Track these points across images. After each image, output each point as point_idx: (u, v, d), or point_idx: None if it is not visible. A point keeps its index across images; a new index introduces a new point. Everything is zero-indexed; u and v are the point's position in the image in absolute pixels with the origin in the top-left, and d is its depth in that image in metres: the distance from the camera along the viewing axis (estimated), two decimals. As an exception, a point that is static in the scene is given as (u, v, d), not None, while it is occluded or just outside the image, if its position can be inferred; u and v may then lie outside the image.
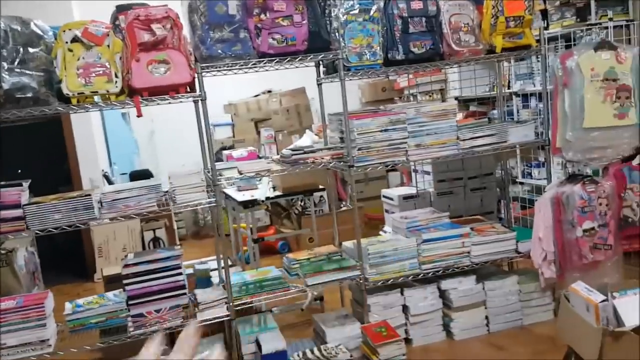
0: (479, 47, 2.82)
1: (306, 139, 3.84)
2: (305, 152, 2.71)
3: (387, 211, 3.79)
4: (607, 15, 3.73)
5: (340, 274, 2.77)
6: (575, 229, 2.76)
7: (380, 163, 2.77)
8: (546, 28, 3.82)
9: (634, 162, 2.84)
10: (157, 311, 2.59)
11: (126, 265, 2.60)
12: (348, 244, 3.00)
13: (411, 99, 6.47)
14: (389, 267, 2.82)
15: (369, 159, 2.75)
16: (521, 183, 4.24)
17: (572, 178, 2.89)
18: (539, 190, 3.72)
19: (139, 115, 2.43)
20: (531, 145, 3.10)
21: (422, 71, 3.81)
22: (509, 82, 4.58)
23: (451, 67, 5.12)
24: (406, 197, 3.57)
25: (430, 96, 6.23)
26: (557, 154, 2.90)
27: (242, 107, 6.25)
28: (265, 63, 2.62)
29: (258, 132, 5.93)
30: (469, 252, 2.91)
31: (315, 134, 4.24)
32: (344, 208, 5.00)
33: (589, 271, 2.80)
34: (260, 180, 3.57)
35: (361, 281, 2.79)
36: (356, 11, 2.69)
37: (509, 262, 3.24)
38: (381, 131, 2.76)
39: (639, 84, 2.76)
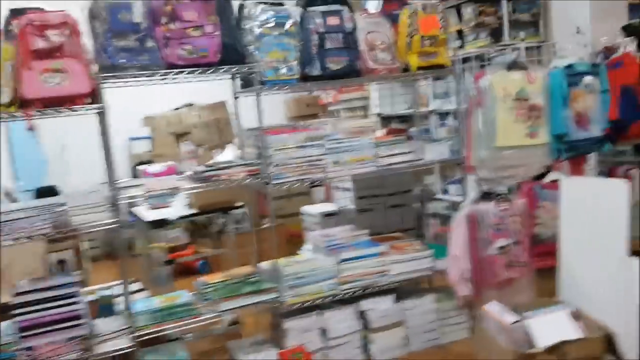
0: (395, 65, 2.82)
1: (228, 154, 3.70)
2: (218, 169, 2.57)
3: (307, 229, 3.71)
4: (519, 37, 3.89)
5: (256, 297, 2.64)
6: (490, 246, 2.79)
7: (298, 180, 2.68)
8: (461, 48, 3.93)
9: (545, 181, 2.93)
10: (52, 343, 2.35)
11: (17, 294, 2.35)
12: (265, 264, 2.88)
13: (335, 115, 6.50)
14: (307, 288, 2.72)
15: (286, 176, 2.66)
16: (440, 200, 4.30)
17: (486, 196, 2.93)
18: (458, 207, 3.77)
19: (30, 128, 2.20)
20: (447, 163, 3.13)
21: (344, 87, 3.79)
22: (427, 100, 4.68)
23: (372, 85, 5.18)
24: (327, 215, 3.51)
25: (353, 113, 6.28)
26: (471, 172, 2.93)
27: (161, 120, 5.99)
28: (175, 74, 2.49)
29: (179, 147, 5.71)
30: (387, 271, 2.88)
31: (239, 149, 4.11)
32: (266, 225, 4.86)
33: (504, 288, 2.83)
34: (173, 197, 3.38)
35: (277, 305, 2.68)
36: (272, 25, 2.61)
37: (429, 280, 3.24)
38: (299, 147, 2.67)
39: (549, 103, 2.85)
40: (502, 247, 2.83)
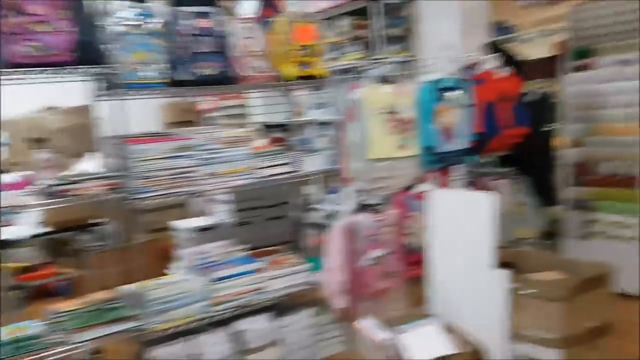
0: (271, 74, 2.72)
1: (88, 165, 3.34)
2: (70, 182, 2.29)
3: (179, 245, 3.47)
4: (392, 50, 4.01)
5: (117, 326, 2.38)
6: (364, 257, 2.79)
7: (167, 194, 2.47)
8: (336, 59, 3.96)
9: (415, 191, 3.01)
10: None
11: None
12: (129, 287, 2.62)
13: (213, 122, 6.28)
14: (176, 312, 2.51)
15: (152, 189, 2.44)
16: (319, 210, 4.29)
17: (362, 207, 2.94)
18: (335, 218, 3.77)
19: None
20: (326, 174, 3.10)
21: (220, 94, 3.62)
22: (305, 110, 4.66)
23: (251, 93, 5.06)
24: (202, 229, 3.30)
25: (232, 120, 6.11)
26: (347, 184, 2.93)
27: (19, 125, 5.34)
28: (22, 74, 2.17)
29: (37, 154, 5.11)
30: (264, 288, 2.76)
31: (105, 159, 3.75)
32: (138, 241, 4.51)
33: (380, 299, 2.85)
34: (19, 214, 2.97)
35: (141, 333, 2.43)
36: (135, 23, 2.38)
37: (307, 294, 3.17)
38: (167, 158, 2.47)
39: (418, 116, 2.93)
40: (376, 258, 2.85)
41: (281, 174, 2.80)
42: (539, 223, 3.47)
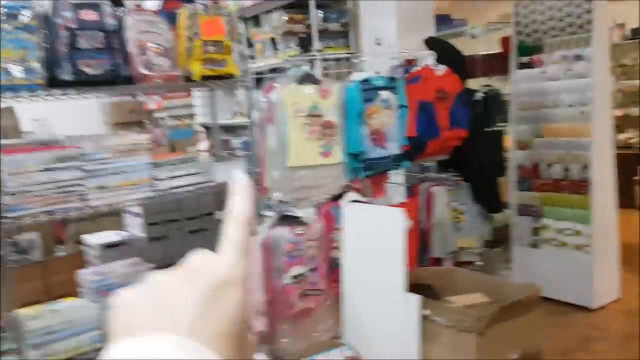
0: (175, 73, 2.43)
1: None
2: None
3: (88, 263, 3.15)
4: (330, 46, 3.74)
5: (-15, 363, 2.07)
6: (284, 275, 2.52)
7: (45, 212, 2.16)
8: (268, 57, 3.68)
9: (341, 202, 2.74)
10: None
11: None
12: (13, 314, 2.30)
13: (161, 122, 5.97)
14: (61, 345, 2.21)
15: (26, 207, 2.12)
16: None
17: (283, 220, 2.67)
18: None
19: None
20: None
21: (118, 95, 3.30)
22: (248, 110, 4.37)
23: (195, 91, 4.76)
24: (109, 245, 2.99)
25: (180, 121, 5.82)
26: (265, 194, 2.65)
27: None
28: None
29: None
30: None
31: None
32: (62, 254, 4.18)
33: (301, 320, 2.59)
34: None
35: (17, 369, 2.13)
36: (6, 16, 2.07)
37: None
38: (44, 171, 2.16)
39: (344, 120, 2.67)
40: (298, 276, 2.58)
41: (188, 185, 2.51)
42: (483, 231, 3.24)
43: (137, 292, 0.38)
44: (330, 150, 2.61)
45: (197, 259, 0.39)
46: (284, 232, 2.57)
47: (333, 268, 2.70)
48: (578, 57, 3.30)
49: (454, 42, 3.50)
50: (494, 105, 3.71)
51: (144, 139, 2.42)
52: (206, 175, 2.57)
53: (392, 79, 2.82)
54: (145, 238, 3.02)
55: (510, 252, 3.73)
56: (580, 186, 3.31)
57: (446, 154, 3.10)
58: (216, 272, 0.38)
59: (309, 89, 2.55)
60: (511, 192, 3.63)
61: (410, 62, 3.03)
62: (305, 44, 3.56)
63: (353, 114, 2.68)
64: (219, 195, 3.07)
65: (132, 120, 6.29)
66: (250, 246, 0.41)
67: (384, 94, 2.76)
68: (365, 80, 2.73)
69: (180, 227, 3.09)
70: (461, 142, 3.00)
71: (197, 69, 2.42)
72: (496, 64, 3.71)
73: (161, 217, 3.02)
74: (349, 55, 3.78)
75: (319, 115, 2.58)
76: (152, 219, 3.00)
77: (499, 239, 3.84)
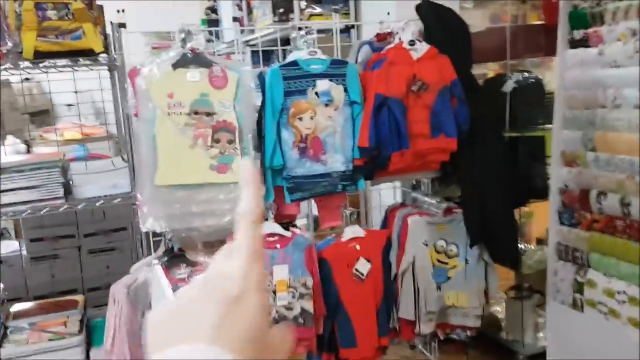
0: (7, 48, 1.75)
1: None
2: None
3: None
4: (319, 14, 2.88)
5: None
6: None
7: None
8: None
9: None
10: None
11: None
12: None
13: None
14: None
15: None
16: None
17: (165, 256, 1.93)
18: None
19: None
20: (121, 202, 2.07)
21: None
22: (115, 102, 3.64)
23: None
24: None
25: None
26: (139, 220, 1.91)
27: None
28: None
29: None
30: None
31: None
32: None
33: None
34: None
35: None
36: None
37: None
38: None
39: (253, 119, 1.85)
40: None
41: (26, 202, 1.84)
42: (489, 283, 2.26)
43: (169, 307, 0.41)
44: (228, 163, 1.81)
45: (213, 272, 0.42)
46: (160, 274, 1.84)
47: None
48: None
49: (474, 12, 2.47)
50: (533, 100, 2.65)
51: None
52: (55, 190, 1.89)
53: (338, 61, 1.93)
54: (27, 257, 2.41)
55: (543, 307, 2.68)
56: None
57: (430, 172, 2.16)
58: (230, 288, 0.40)
59: (193, 75, 1.75)
60: (551, 224, 2.56)
61: (382, 37, 2.10)
62: (286, 12, 2.69)
63: (269, 111, 1.85)
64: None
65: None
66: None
67: (323, 83, 1.89)
68: (293, 64, 1.87)
69: (76, 244, 2.45)
70: (449, 157, 2.04)
71: (29, 42, 1.72)
72: (535, 41, 2.61)
73: (47, 232, 2.39)
74: (349, 25, 2.88)
75: (209, 113, 1.78)
76: (33, 235, 2.38)
77: (531, 287, 2.80)
